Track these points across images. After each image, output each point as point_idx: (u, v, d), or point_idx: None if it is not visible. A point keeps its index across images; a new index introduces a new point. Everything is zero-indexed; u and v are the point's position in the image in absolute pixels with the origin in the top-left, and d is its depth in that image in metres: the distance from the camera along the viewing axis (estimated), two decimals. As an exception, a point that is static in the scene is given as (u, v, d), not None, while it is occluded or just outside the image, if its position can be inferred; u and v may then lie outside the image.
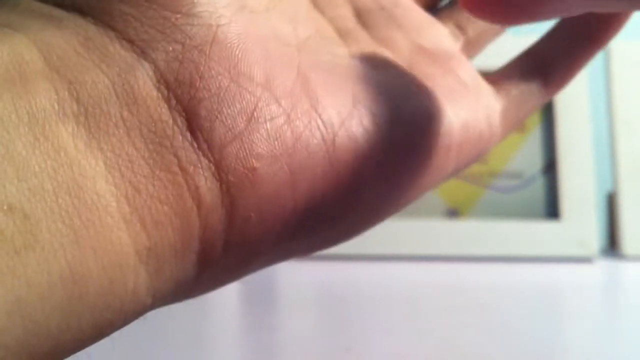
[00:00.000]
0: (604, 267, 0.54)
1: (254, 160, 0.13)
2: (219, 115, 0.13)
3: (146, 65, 0.12)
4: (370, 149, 0.15)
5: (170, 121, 0.12)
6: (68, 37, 0.12)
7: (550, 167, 0.59)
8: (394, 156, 0.15)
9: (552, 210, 0.58)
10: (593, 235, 0.56)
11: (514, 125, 0.19)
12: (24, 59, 0.11)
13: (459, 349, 0.29)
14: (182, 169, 0.12)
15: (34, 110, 0.11)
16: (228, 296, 0.45)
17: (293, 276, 0.51)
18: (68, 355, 0.12)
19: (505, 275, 0.50)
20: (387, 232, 0.57)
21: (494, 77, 0.19)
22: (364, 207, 0.16)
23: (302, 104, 0.14)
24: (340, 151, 0.14)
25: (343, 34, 0.17)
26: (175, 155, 0.12)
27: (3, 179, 0.10)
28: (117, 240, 0.11)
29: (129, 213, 0.12)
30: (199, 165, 0.13)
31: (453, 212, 0.59)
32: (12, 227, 0.10)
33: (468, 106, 0.17)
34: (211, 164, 0.13)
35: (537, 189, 0.59)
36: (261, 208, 0.13)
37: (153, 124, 0.12)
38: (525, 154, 0.59)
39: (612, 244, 0.63)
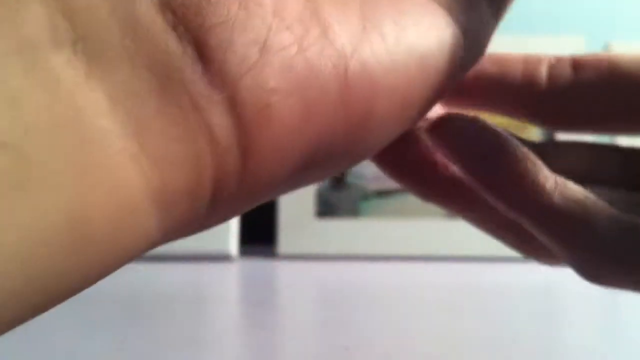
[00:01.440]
0: (603, 267, 0.54)
1: (268, 94, 0.12)
2: (231, 45, 0.12)
3: None
4: (383, 75, 0.14)
5: (179, 51, 0.11)
6: None
7: (550, 167, 0.59)
8: (405, 81, 0.15)
9: (552, 210, 0.58)
10: (593, 235, 0.56)
11: (497, 23, 0.19)
12: None
13: (459, 348, 0.29)
14: (194, 105, 0.11)
15: (23, 37, 0.10)
16: (228, 296, 0.45)
17: (293, 276, 0.51)
18: (73, 295, 0.11)
19: (505, 275, 0.50)
20: (387, 232, 0.57)
21: None
22: (375, 135, 0.15)
23: (313, 31, 0.13)
24: (353, 80, 0.14)
25: None
26: (186, 90, 0.11)
27: None
28: (125, 179, 0.11)
29: (137, 151, 0.11)
30: (212, 100, 0.12)
31: (453, 212, 0.59)
32: (5, 165, 0.09)
33: (469, 17, 0.17)
34: (225, 99, 0.12)
35: (537, 189, 0.59)
36: (275, 145, 0.13)
37: (160, 55, 0.11)
38: (525, 154, 0.59)
39: (612, 244, 0.63)
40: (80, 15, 0.11)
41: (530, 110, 0.20)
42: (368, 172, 0.60)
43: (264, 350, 0.29)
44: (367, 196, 0.60)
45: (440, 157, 0.20)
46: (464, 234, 0.57)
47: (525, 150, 0.18)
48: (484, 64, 0.20)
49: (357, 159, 0.16)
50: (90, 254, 0.10)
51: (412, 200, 0.61)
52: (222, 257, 0.55)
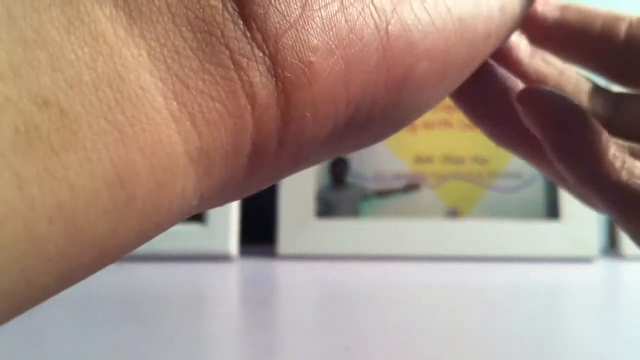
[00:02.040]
0: (604, 267, 0.54)
1: (310, 53, 0.12)
2: (272, 1, 0.12)
3: None
4: (421, 38, 0.14)
5: (220, 6, 0.11)
6: None
7: (550, 167, 0.59)
8: (443, 44, 0.15)
9: (552, 210, 0.58)
10: (593, 235, 0.56)
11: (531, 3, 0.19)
12: None
13: (459, 348, 0.29)
14: (235, 63, 0.11)
15: None
16: (228, 296, 0.45)
17: (293, 276, 0.51)
18: (111, 262, 0.11)
19: (505, 275, 0.50)
20: (387, 232, 0.57)
21: None
22: (413, 102, 0.15)
23: None
24: (393, 40, 0.13)
25: None
26: (227, 47, 0.11)
27: (36, 69, 0.09)
28: (166, 139, 0.10)
29: (177, 110, 0.11)
30: (253, 58, 0.11)
31: (453, 212, 0.59)
32: (48, 123, 0.09)
33: None
34: (266, 57, 0.11)
35: (537, 189, 0.59)
36: (316, 106, 0.12)
37: (201, 10, 0.11)
38: (525, 154, 0.59)
39: (612, 244, 0.63)
40: None
41: (605, 64, 0.21)
42: (368, 172, 0.60)
43: (264, 350, 0.29)
44: (367, 196, 0.60)
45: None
46: (464, 234, 0.57)
47: (599, 127, 0.19)
48: (568, 12, 0.20)
49: (396, 124, 0.16)
50: (132, 213, 0.10)
51: (412, 200, 0.61)
52: (222, 257, 0.55)
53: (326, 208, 0.59)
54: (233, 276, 0.51)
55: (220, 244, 0.55)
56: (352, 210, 0.59)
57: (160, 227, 0.11)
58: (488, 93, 0.21)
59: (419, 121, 0.61)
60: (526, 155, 0.22)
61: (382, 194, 0.59)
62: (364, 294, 0.43)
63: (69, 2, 0.10)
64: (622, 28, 0.20)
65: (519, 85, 0.21)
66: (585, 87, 0.21)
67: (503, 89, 0.21)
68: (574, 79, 0.21)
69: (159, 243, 0.56)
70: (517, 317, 0.36)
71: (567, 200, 0.57)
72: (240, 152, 0.12)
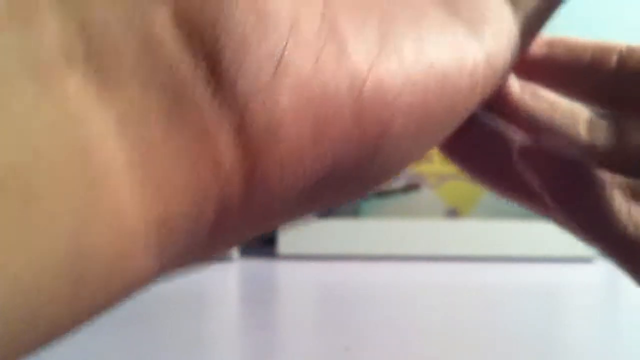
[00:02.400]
0: (604, 267, 0.54)
1: (279, 116, 0.12)
2: (245, 61, 0.11)
3: (167, 3, 0.11)
4: (399, 95, 0.14)
5: (192, 69, 0.11)
6: None
7: (550, 167, 0.59)
8: (422, 101, 0.14)
9: (552, 210, 0.58)
10: (593, 235, 0.56)
11: (529, 42, 0.19)
12: None
13: (459, 348, 0.29)
14: (202, 125, 0.11)
15: (38, 53, 0.09)
16: (228, 296, 0.45)
17: (293, 276, 0.51)
18: (76, 328, 0.11)
19: (505, 275, 0.50)
20: (387, 232, 0.57)
21: None
22: (391, 158, 0.15)
23: (328, 49, 0.13)
24: (368, 99, 0.13)
25: None
26: (196, 109, 0.11)
27: (1, 139, 0.09)
28: (128, 209, 0.10)
29: (140, 177, 0.10)
30: (222, 122, 0.11)
31: (453, 212, 0.59)
32: (9, 192, 0.09)
33: (493, 35, 0.17)
34: (234, 119, 0.11)
35: (537, 189, 0.59)
36: (283, 168, 0.12)
37: (172, 71, 0.11)
38: (525, 154, 0.59)
39: (612, 244, 0.63)
40: (96, 29, 0.10)
41: (597, 94, 0.20)
42: (368, 172, 0.60)
43: (264, 350, 0.29)
44: (367, 196, 0.60)
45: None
46: (464, 234, 0.57)
47: (603, 178, 0.18)
48: (556, 47, 0.20)
49: (373, 182, 0.15)
50: (88, 286, 0.10)
51: (412, 200, 0.61)
52: (222, 257, 0.55)
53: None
54: (233, 276, 0.51)
55: (220, 244, 0.55)
56: (352, 210, 0.59)
57: (121, 296, 0.11)
58: (479, 144, 0.20)
59: (419, 121, 0.61)
60: (524, 203, 0.21)
61: (382, 193, 0.59)
62: (364, 294, 0.43)
63: (40, 66, 0.09)
64: (613, 58, 0.20)
65: (511, 131, 0.20)
66: (583, 117, 0.20)
67: (495, 138, 0.20)
68: (569, 110, 0.20)
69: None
70: (517, 317, 0.36)
71: (567, 200, 0.57)
72: (202, 219, 0.11)
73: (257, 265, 0.54)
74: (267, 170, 0.12)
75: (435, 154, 0.60)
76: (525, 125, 0.20)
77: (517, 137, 0.20)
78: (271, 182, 0.12)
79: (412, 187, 0.59)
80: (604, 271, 0.53)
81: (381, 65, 0.13)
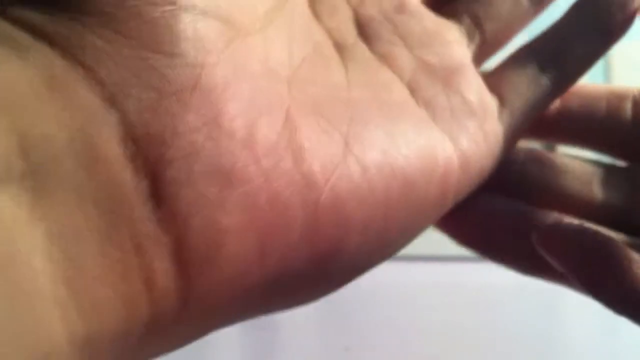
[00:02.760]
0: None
1: (220, 236, 0.11)
2: (188, 181, 0.11)
3: (114, 115, 0.10)
4: (358, 208, 0.13)
5: (133, 185, 0.10)
6: (31, 74, 0.10)
7: (550, 167, 0.59)
8: (383, 211, 0.14)
9: (552, 210, 0.58)
10: (593, 235, 0.56)
11: (515, 142, 0.18)
12: None
13: (459, 348, 0.29)
14: (137, 246, 0.10)
15: None
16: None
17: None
18: None
19: (505, 275, 0.50)
20: (387, 232, 0.57)
21: (499, 83, 0.18)
22: (346, 269, 0.14)
23: (284, 161, 0.12)
24: (322, 215, 0.12)
25: (342, 50, 0.16)
26: (132, 229, 0.10)
27: None
28: (47, 328, 0.10)
29: (65, 296, 0.10)
30: (157, 241, 0.11)
31: (453, 212, 0.59)
32: None
33: (470, 138, 0.16)
34: (171, 241, 0.11)
35: (537, 189, 0.59)
36: (223, 286, 0.12)
37: (112, 189, 0.10)
38: (525, 154, 0.59)
39: (612, 244, 0.63)
40: (38, 146, 0.10)
41: (615, 145, 0.19)
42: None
43: (264, 350, 0.29)
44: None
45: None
46: (464, 234, 0.57)
47: (627, 251, 0.17)
48: (568, 98, 0.19)
49: (330, 287, 0.15)
50: None
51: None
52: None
53: (326, 208, 0.59)
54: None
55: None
56: (352, 210, 0.59)
57: None
58: (489, 227, 0.19)
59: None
60: (549, 280, 0.20)
61: (382, 194, 0.59)
62: (364, 294, 0.43)
63: None
64: (627, 106, 0.19)
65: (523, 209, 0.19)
66: (596, 176, 0.19)
67: (506, 219, 0.19)
68: (578, 171, 0.19)
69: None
70: (517, 317, 0.36)
71: (567, 200, 0.57)
72: (131, 335, 0.11)
73: (257, 265, 0.54)
74: (205, 291, 0.11)
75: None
76: (535, 198, 0.18)
77: (533, 215, 0.18)
78: (209, 302, 0.12)
79: (412, 187, 0.59)
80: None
81: (342, 176, 0.13)
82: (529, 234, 0.17)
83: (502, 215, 0.19)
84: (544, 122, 0.19)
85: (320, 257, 0.13)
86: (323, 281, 0.14)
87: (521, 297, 0.42)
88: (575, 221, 0.18)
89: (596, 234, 0.17)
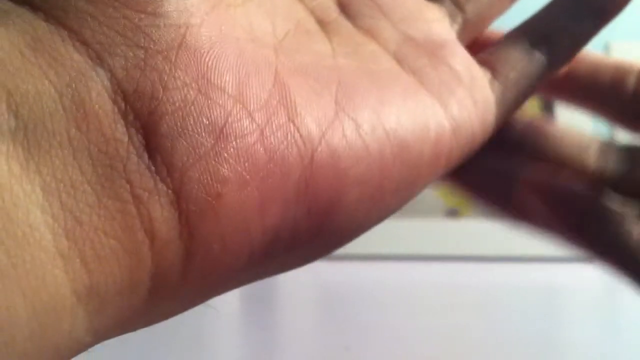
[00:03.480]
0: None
1: (219, 186, 0.11)
2: (182, 133, 0.11)
3: (101, 73, 0.11)
4: (352, 165, 0.13)
5: (126, 139, 0.11)
6: (14, 36, 0.10)
7: (550, 167, 0.59)
8: (379, 170, 0.14)
9: (552, 210, 0.58)
10: (593, 235, 0.56)
11: (510, 113, 0.18)
12: None
13: (459, 348, 0.29)
14: (135, 197, 0.11)
15: None
16: (228, 296, 0.45)
17: (293, 276, 0.51)
18: None
19: (505, 275, 0.50)
20: (387, 232, 0.57)
21: (490, 57, 0.18)
22: (344, 226, 0.14)
23: (278, 116, 0.12)
24: (319, 168, 0.13)
25: (325, 25, 0.16)
26: (128, 181, 0.11)
27: None
28: (51, 279, 0.10)
29: (67, 248, 0.10)
30: (155, 192, 0.11)
31: (453, 212, 0.59)
32: None
33: (460, 104, 0.16)
34: (169, 191, 0.11)
35: (537, 189, 0.59)
36: (225, 238, 0.12)
37: (105, 143, 0.11)
38: (525, 154, 0.59)
39: (612, 244, 0.63)
40: (26, 102, 0.10)
41: (617, 114, 0.20)
42: (368, 172, 0.60)
43: (264, 350, 0.29)
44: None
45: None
46: (464, 234, 0.57)
47: (620, 213, 0.18)
48: (576, 63, 0.20)
49: (327, 246, 0.15)
50: (14, 356, 0.10)
51: (412, 200, 0.61)
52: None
53: (326, 208, 0.59)
54: (233, 276, 0.51)
55: (220, 243, 0.55)
56: (352, 210, 0.59)
57: None
58: (485, 180, 0.20)
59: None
60: (538, 232, 0.21)
61: (382, 194, 0.59)
62: (364, 294, 0.43)
63: None
64: (630, 80, 0.20)
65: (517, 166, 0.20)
66: (593, 145, 0.19)
67: (501, 174, 0.20)
68: (576, 139, 0.20)
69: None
70: (516, 317, 0.36)
71: (567, 200, 0.57)
72: (137, 288, 0.11)
73: (257, 265, 0.54)
74: (207, 242, 0.12)
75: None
76: (532, 157, 0.19)
77: (523, 171, 0.19)
78: (213, 253, 0.12)
79: (412, 187, 0.59)
80: (604, 271, 0.53)
81: (335, 132, 0.13)
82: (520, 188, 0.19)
83: (498, 170, 0.20)
84: (554, 82, 0.20)
85: (318, 211, 0.13)
86: (321, 238, 0.14)
87: (521, 297, 0.42)
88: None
89: (587, 189, 0.18)
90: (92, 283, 0.10)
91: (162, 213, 0.11)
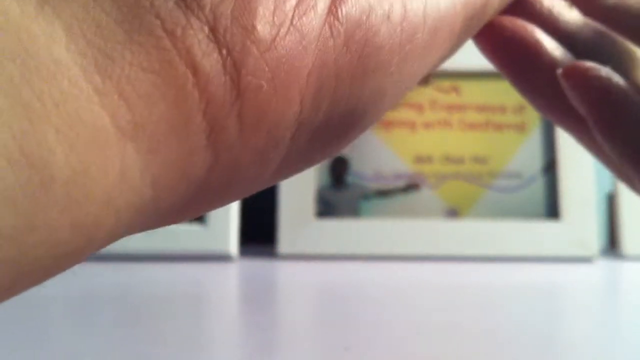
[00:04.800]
0: (604, 267, 0.54)
1: (253, 19, 0.11)
2: None
3: None
4: (388, 34, 0.13)
5: None
6: None
7: (550, 167, 0.59)
8: (408, 38, 0.14)
9: (552, 210, 0.58)
10: (593, 235, 0.56)
11: None
12: None
13: (459, 348, 0.29)
14: (168, 31, 0.10)
15: None
16: (228, 296, 0.45)
17: (293, 276, 0.51)
18: (50, 271, 0.10)
19: (505, 275, 0.50)
20: (387, 232, 0.57)
21: None
22: (378, 89, 0.14)
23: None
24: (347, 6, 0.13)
25: None
26: (158, 17, 0.10)
27: None
28: (88, 114, 0.09)
29: (100, 83, 0.09)
30: (189, 26, 0.10)
31: (453, 212, 0.59)
32: None
33: None
34: (204, 25, 0.10)
35: (537, 189, 0.59)
36: (273, 73, 0.11)
37: None
38: (525, 154, 0.59)
39: (612, 244, 0.63)
40: None
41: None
42: (368, 172, 0.60)
43: (264, 350, 0.29)
44: (367, 196, 0.60)
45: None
46: (464, 234, 0.57)
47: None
48: None
49: (372, 115, 0.15)
50: (50, 205, 0.09)
51: (412, 200, 0.61)
52: (222, 257, 0.55)
53: (326, 208, 0.59)
54: (233, 276, 0.51)
55: (220, 244, 0.55)
56: (352, 210, 0.59)
57: (103, 221, 0.10)
58: (534, 65, 0.21)
59: (419, 121, 0.61)
60: (570, 129, 0.21)
61: (382, 193, 0.59)
62: (364, 294, 0.43)
63: None
64: None
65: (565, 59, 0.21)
66: (634, 56, 0.20)
67: (549, 62, 0.20)
68: (622, 45, 0.21)
69: (159, 243, 0.56)
70: (517, 317, 0.36)
71: (567, 201, 0.57)
72: (191, 126, 0.11)
73: (257, 265, 0.54)
74: (254, 77, 0.11)
75: (435, 154, 0.60)
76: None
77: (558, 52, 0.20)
78: (263, 92, 0.11)
79: (412, 187, 0.59)
80: (603, 271, 0.53)
81: (374, 17, 0.13)
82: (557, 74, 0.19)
83: (544, 55, 0.20)
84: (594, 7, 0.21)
85: (356, 47, 0.13)
86: (364, 93, 0.14)
87: (521, 297, 0.42)
88: (603, 68, 0.20)
89: (622, 82, 0.19)
90: (136, 119, 0.10)
91: (199, 46, 0.10)
